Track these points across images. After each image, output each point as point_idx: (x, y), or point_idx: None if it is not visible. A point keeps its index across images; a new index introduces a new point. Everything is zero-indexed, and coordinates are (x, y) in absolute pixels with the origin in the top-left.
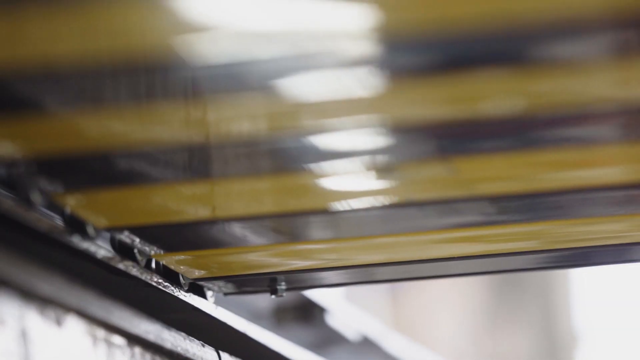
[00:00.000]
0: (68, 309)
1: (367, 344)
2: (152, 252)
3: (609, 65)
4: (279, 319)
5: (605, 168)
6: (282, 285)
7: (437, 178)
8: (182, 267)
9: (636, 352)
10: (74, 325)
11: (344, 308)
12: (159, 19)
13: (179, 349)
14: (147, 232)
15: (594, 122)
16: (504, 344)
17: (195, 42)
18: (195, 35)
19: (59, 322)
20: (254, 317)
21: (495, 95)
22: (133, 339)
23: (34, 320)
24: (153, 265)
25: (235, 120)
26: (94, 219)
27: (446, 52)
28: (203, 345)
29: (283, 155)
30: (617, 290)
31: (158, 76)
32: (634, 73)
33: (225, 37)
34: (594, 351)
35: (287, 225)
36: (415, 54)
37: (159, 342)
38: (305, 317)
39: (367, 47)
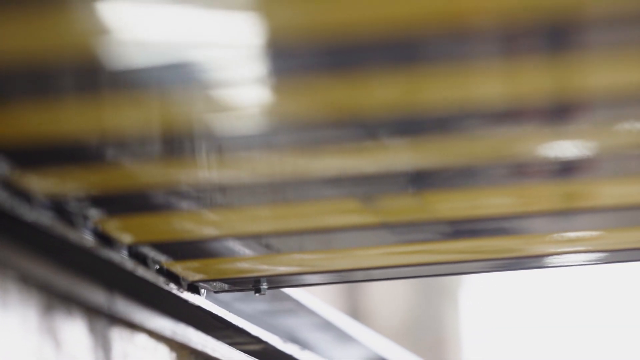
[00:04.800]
0: (98, 309)
1: (327, 326)
2: (161, 261)
3: (495, 67)
4: (254, 308)
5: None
6: (264, 285)
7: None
8: (183, 271)
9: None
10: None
11: (308, 298)
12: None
13: (177, 336)
14: (158, 246)
15: (481, 124)
16: (431, 316)
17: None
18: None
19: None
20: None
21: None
22: (141, 328)
23: (80, 325)
24: (157, 268)
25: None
26: (120, 237)
27: (332, 57)
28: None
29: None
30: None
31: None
32: (519, 74)
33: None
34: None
35: (271, 241)
36: (299, 59)
37: (159, 329)
38: (277, 307)
39: (254, 54)
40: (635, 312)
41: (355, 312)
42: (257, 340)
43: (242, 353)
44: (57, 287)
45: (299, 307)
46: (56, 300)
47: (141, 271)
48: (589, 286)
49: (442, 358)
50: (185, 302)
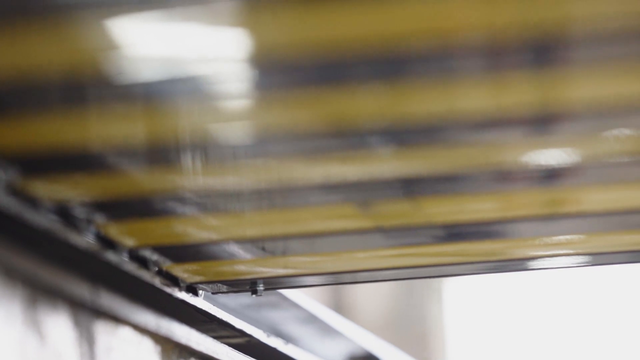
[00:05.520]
0: (99, 309)
1: (311, 320)
2: (161, 263)
3: (475, 83)
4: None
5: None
6: (261, 287)
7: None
8: (181, 273)
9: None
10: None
11: (292, 292)
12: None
13: (174, 335)
14: (159, 250)
15: (469, 134)
16: (415, 311)
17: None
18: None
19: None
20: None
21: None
22: (141, 328)
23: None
24: (157, 270)
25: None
26: (122, 240)
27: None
28: (195, 330)
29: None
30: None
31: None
32: (501, 90)
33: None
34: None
35: (268, 244)
36: (297, 73)
37: (157, 329)
38: (261, 300)
39: (252, 68)
40: (617, 310)
41: (339, 306)
42: (241, 333)
43: (226, 346)
44: (62, 289)
45: (283, 301)
46: (61, 302)
47: (140, 272)
48: (570, 284)
49: (425, 351)
50: (170, 296)
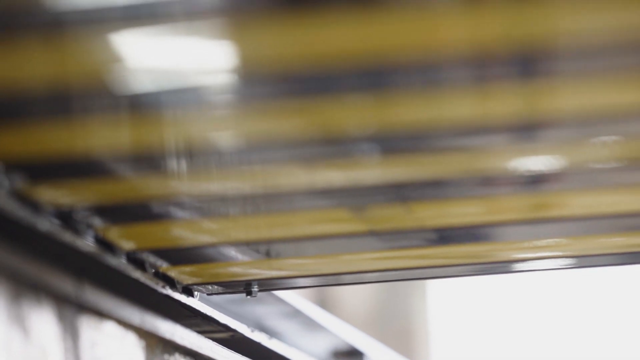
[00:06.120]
0: (100, 311)
1: (295, 314)
2: (158, 265)
3: (461, 94)
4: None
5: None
6: (255, 288)
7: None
8: (178, 275)
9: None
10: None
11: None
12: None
13: (175, 337)
14: (156, 252)
15: (458, 142)
16: (399, 306)
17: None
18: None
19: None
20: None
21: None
22: (136, 329)
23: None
24: (155, 272)
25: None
26: (121, 243)
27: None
28: (179, 325)
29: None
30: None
31: None
32: (487, 100)
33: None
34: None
35: (263, 247)
36: (294, 84)
37: (154, 329)
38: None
39: (249, 79)
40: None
41: (323, 301)
42: (225, 328)
43: (210, 341)
44: (64, 291)
45: (267, 296)
46: (64, 302)
47: (136, 274)
48: (551, 278)
49: (409, 346)
50: (154, 291)
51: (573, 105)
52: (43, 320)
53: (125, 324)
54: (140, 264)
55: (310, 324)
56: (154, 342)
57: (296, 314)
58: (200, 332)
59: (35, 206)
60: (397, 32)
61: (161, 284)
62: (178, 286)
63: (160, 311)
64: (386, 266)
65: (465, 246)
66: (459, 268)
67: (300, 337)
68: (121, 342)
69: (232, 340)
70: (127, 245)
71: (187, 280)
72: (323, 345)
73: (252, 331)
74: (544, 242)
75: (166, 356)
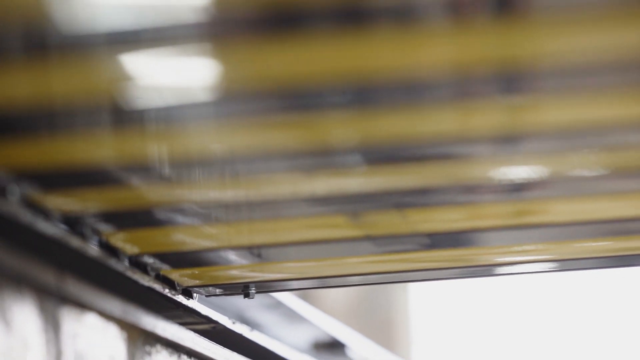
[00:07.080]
0: (103, 311)
1: (276, 306)
2: (159, 268)
3: (443, 110)
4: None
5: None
6: (253, 290)
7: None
8: (178, 278)
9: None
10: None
11: None
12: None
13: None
14: (157, 256)
15: (446, 153)
16: (381, 299)
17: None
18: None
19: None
20: None
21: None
22: (137, 329)
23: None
24: (156, 275)
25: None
26: (124, 248)
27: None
28: (189, 331)
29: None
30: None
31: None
32: (471, 115)
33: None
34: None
35: (261, 251)
36: (292, 99)
37: (155, 330)
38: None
39: (235, 95)
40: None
41: (304, 293)
42: (207, 320)
43: (192, 333)
44: (67, 294)
45: None
46: (67, 304)
47: (138, 276)
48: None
49: (390, 338)
50: (136, 283)
51: (553, 119)
52: (43, 320)
53: (106, 315)
54: (142, 267)
55: (292, 315)
56: (135, 334)
57: (278, 306)
58: (181, 324)
59: (44, 213)
60: (382, 52)
61: (162, 285)
62: (178, 288)
63: (142, 303)
64: (377, 269)
65: (452, 250)
66: (448, 271)
67: (281, 328)
68: (103, 334)
69: (214, 332)
70: (131, 249)
71: (187, 282)
72: (304, 337)
73: (234, 323)
74: (527, 246)
75: (147, 348)
